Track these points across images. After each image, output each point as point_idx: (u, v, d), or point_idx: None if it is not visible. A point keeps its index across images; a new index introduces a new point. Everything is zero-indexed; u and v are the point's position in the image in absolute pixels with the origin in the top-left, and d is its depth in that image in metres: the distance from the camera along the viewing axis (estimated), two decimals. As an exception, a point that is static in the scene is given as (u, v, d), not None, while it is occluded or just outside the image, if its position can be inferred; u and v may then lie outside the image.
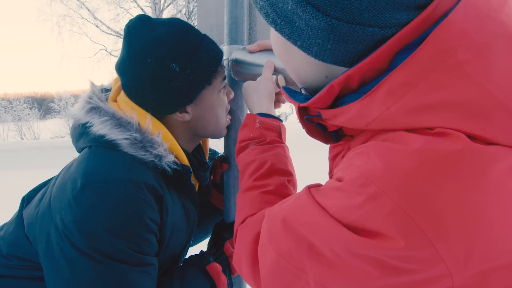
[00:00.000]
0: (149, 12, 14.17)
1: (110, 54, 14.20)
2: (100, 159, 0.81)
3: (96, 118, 0.82)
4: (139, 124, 0.83)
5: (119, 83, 0.92)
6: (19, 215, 0.87)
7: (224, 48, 1.01)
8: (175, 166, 0.83)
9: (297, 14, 0.44)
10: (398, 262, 0.38)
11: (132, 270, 0.75)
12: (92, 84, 0.91)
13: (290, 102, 0.57)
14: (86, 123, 0.82)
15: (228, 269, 0.96)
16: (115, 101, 0.91)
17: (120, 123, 0.82)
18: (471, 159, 0.37)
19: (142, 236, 0.77)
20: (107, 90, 0.95)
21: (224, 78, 0.95)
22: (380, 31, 0.41)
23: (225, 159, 1.05)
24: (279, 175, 0.69)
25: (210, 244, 1.04)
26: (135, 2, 14.14)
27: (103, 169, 0.78)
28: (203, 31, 1.11)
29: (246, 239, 0.60)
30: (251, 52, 0.93)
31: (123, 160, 0.80)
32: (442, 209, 0.36)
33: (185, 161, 0.90)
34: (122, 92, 0.90)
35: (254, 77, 0.91)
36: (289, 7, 0.44)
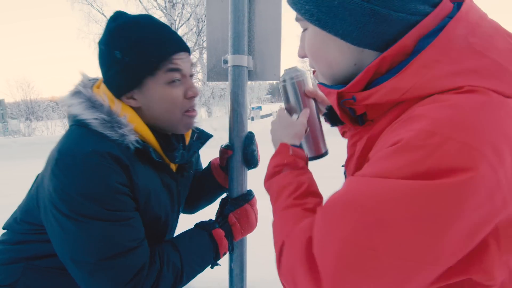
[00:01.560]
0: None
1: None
2: (73, 136, 0.78)
3: (75, 100, 0.79)
4: (109, 106, 0.79)
5: None
6: (32, 187, 0.85)
7: (229, 57, 0.99)
8: (137, 145, 0.77)
9: (343, 7, 0.47)
10: (474, 192, 0.35)
11: (112, 225, 0.72)
12: (83, 74, 0.87)
13: (328, 93, 0.56)
14: (69, 105, 0.80)
15: (230, 236, 0.93)
16: (99, 87, 0.86)
17: (94, 105, 0.79)
18: (501, 104, 0.40)
19: (113, 196, 0.73)
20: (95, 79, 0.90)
21: (174, 72, 0.81)
22: (406, 17, 0.45)
23: (230, 146, 1.02)
24: (313, 196, 0.63)
25: (217, 215, 1.00)
26: (155, 22, 13.89)
27: (72, 144, 0.75)
28: (211, 45, 1.09)
29: (297, 246, 0.48)
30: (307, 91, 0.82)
31: (92, 136, 0.76)
32: (498, 141, 0.37)
33: (151, 141, 0.83)
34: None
35: (291, 108, 0.82)
36: (336, 3, 0.47)
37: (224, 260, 0.97)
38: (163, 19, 13.82)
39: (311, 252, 0.45)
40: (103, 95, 0.81)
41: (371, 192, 0.39)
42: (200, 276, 0.93)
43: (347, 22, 0.47)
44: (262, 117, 32.18)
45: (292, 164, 0.68)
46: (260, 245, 1.62)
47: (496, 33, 0.46)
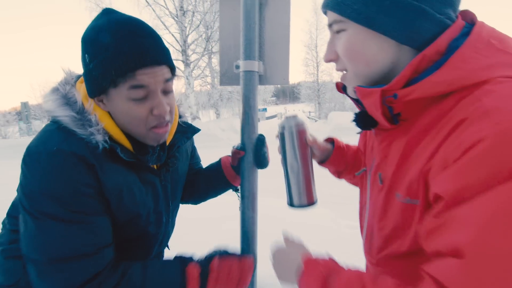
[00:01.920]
0: (178, 37, 14.06)
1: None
2: (43, 133, 0.73)
3: (53, 96, 0.75)
4: (82, 104, 0.74)
5: None
6: None
7: (241, 63, 0.99)
8: (105, 144, 0.71)
9: (395, 5, 0.50)
10: None
11: (70, 227, 0.67)
12: (66, 71, 0.82)
13: (369, 93, 0.55)
14: (46, 101, 0.75)
15: (204, 280, 0.76)
16: (82, 82, 0.79)
17: (68, 102, 0.73)
18: None
19: (74, 197, 0.68)
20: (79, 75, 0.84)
21: (138, 89, 0.71)
22: (444, 20, 0.51)
23: (242, 147, 1.01)
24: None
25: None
26: (167, 29, 13.95)
27: (40, 142, 0.70)
28: (224, 51, 1.09)
29: None
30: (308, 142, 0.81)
31: (61, 134, 0.70)
32: None
33: (122, 141, 0.76)
34: None
35: (289, 156, 0.81)
36: (388, 2, 0.50)
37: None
38: (174, 26, 13.92)
39: None
40: (80, 91, 0.76)
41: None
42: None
43: (396, 18, 0.51)
44: (268, 118, 32.16)
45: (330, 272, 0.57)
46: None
47: (506, 37, 0.52)
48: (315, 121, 18.81)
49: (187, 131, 0.96)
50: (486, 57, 0.48)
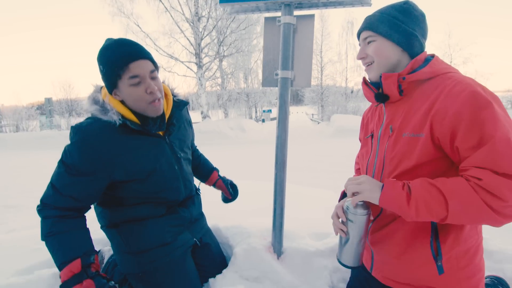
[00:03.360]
0: (192, 41, 14.49)
1: (165, 70, 14.49)
2: (84, 120, 1.09)
3: (88, 100, 1.11)
4: (103, 100, 1.09)
5: None
6: None
7: (279, 72, 1.40)
8: (119, 121, 1.05)
9: (406, 31, 0.95)
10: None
11: (66, 173, 1.02)
12: (95, 85, 1.16)
13: (389, 76, 0.94)
14: (85, 103, 1.13)
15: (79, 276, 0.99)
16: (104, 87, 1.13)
17: (95, 102, 1.09)
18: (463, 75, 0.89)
19: (80, 160, 1.02)
20: None
21: (134, 78, 1.03)
22: (423, 44, 0.97)
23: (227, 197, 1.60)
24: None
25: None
26: (183, 33, 14.36)
27: (80, 122, 1.06)
28: (266, 62, 1.49)
29: (496, 180, 0.73)
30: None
31: (90, 120, 1.06)
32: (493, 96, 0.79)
33: (131, 118, 1.09)
34: None
35: (356, 232, 0.92)
36: (401, 29, 0.95)
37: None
38: (189, 31, 14.35)
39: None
40: (102, 94, 1.11)
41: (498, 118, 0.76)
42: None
43: (404, 36, 0.95)
44: (272, 119, 32.40)
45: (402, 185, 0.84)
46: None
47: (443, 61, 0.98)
48: (318, 123, 19.05)
49: (179, 104, 1.29)
50: (441, 65, 0.93)
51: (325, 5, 1.40)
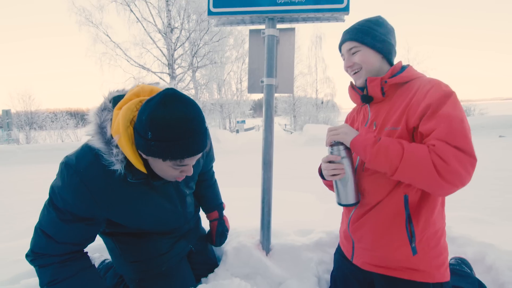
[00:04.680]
0: (165, 51, 14.40)
1: (135, 80, 14.21)
2: (82, 150, 0.94)
3: (93, 122, 0.92)
4: (111, 136, 0.88)
5: (132, 96, 0.93)
6: None
7: (264, 79, 1.51)
8: (122, 171, 0.89)
9: (385, 41, 1.09)
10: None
11: (59, 219, 0.90)
12: (105, 97, 0.97)
13: (374, 79, 1.07)
14: (89, 122, 0.93)
15: None
16: (121, 107, 0.90)
17: (101, 131, 0.90)
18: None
19: (74, 207, 0.90)
20: (119, 96, 0.97)
21: (181, 166, 0.91)
22: (396, 50, 1.14)
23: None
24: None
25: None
26: (155, 44, 14.23)
27: (76, 157, 0.92)
28: (251, 71, 1.59)
29: (444, 148, 0.87)
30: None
31: (90, 158, 0.90)
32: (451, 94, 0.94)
33: (139, 168, 0.91)
34: (126, 106, 0.89)
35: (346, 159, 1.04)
36: (381, 39, 1.09)
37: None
38: (162, 42, 14.27)
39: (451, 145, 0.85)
40: (114, 121, 0.88)
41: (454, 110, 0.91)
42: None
43: (384, 46, 1.09)
44: (246, 130, 32.64)
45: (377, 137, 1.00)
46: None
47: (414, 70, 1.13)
48: (291, 133, 19.54)
49: None
50: (415, 72, 1.08)
51: (305, 20, 1.55)
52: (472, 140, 0.88)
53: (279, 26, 1.56)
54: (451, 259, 1.46)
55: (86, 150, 0.92)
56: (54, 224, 0.91)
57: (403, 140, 0.95)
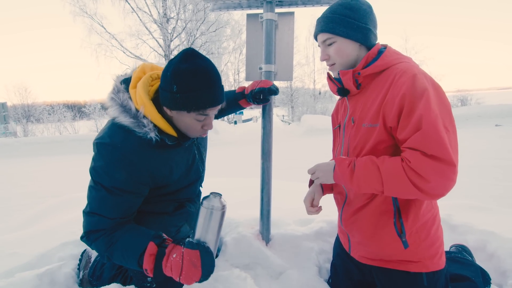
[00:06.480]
0: (161, 42, 14.14)
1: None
2: (110, 128, 0.97)
3: (112, 104, 0.97)
4: (136, 110, 0.95)
5: (139, 73, 1.02)
6: None
7: (263, 66, 1.46)
8: (156, 138, 0.95)
9: (361, 28, 0.99)
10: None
11: (108, 195, 0.93)
12: (114, 79, 1.02)
13: (346, 73, 1.01)
14: (108, 107, 0.98)
15: (160, 259, 0.91)
16: (136, 86, 0.99)
17: (125, 109, 0.95)
18: (413, 64, 0.97)
19: (121, 179, 0.93)
20: (126, 78, 1.04)
21: (203, 115, 0.97)
22: (376, 35, 1.03)
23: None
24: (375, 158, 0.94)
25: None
26: (151, 35, 13.98)
27: (109, 135, 0.95)
28: (249, 57, 1.54)
29: (420, 160, 0.82)
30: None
31: (122, 133, 0.94)
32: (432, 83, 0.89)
33: (170, 132, 0.99)
34: (141, 81, 0.98)
35: (204, 229, 0.93)
36: (356, 26, 0.99)
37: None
38: (158, 32, 14.01)
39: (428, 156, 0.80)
40: (134, 98, 0.96)
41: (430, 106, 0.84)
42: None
43: (360, 33, 1.00)
44: (244, 121, 32.52)
45: (352, 163, 0.96)
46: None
47: (397, 51, 1.04)
48: (289, 124, 19.45)
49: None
50: (393, 56, 0.98)
51: (304, 3, 1.48)
52: (453, 139, 0.84)
53: (277, 10, 1.49)
54: (451, 247, 1.45)
55: (115, 128, 0.96)
56: (103, 203, 0.95)
57: (373, 157, 0.92)
